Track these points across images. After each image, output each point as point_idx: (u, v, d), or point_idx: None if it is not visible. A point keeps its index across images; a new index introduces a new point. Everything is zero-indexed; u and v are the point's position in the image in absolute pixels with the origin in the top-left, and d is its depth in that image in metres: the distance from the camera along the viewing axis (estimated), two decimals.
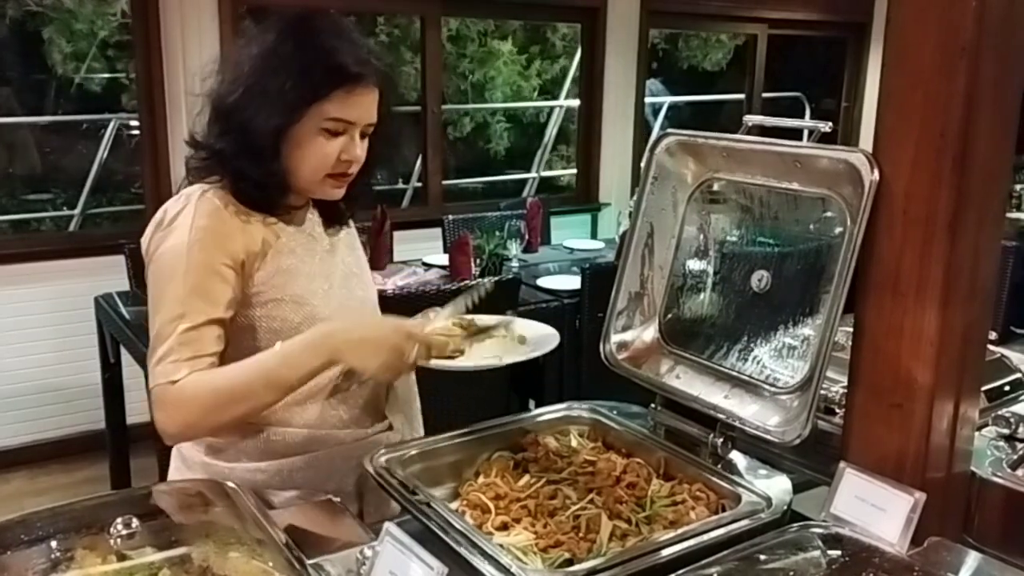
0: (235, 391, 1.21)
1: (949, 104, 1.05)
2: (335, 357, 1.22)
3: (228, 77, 1.32)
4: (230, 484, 1.09)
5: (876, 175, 1.10)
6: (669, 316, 1.46)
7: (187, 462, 1.36)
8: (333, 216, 1.46)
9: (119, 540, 0.92)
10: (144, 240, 1.32)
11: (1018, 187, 5.21)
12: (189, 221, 1.28)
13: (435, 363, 1.26)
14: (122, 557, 0.94)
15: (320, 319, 1.33)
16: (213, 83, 1.34)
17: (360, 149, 1.33)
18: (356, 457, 1.30)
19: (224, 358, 1.26)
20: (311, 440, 1.35)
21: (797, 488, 1.25)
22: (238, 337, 1.31)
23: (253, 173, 1.30)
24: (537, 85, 7.51)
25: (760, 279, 1.31)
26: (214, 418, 1.22)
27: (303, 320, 1.32)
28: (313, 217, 1.44)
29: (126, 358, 3.07)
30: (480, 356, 1.33)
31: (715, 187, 1.40)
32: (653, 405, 1.41)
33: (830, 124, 1.34)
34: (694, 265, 1.44)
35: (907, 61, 1.09)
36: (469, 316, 1.39)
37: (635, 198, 1.45)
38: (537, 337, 1.41)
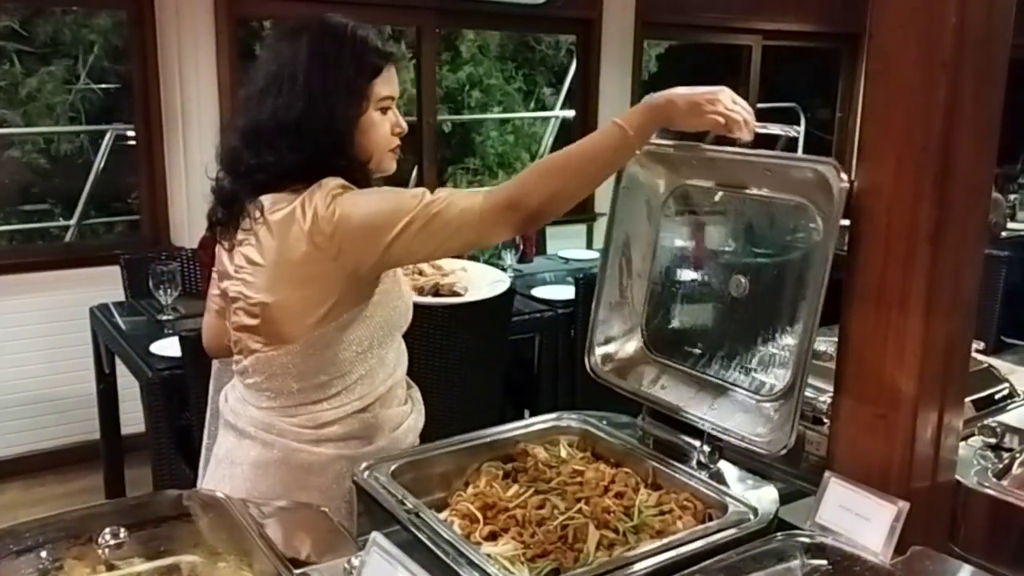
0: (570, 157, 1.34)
1: (930, 118, 1.06)
2: (671, 112, 1.30)
3: (277, 90, 1.39)
4: (219, 494, 1.10)
5: (845, 183, 1.11)
6: (652, 325, 1.47)
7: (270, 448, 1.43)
8: None
9: (107, 550, 0.92)
10: (299, 229, 1.35)
11: (1012, 197, 5.25)
12: (347, 190, 1.38)
13: (438, 301, 1.43)
14: (111, 567, 0.95)
15: (407, 300, 1.51)
16: (257, 102, 1.41)
17: (403, 121, 1.49)
18: None
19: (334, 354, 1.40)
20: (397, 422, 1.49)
21: (785, 498, 1.26)
22: (375, 315, 1.43)
23: (342, 166, 1.40)
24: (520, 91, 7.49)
25: (739, 286, 1.32)
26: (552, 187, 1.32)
27: (402, 303, 1.49)
28: None
29: (121, 369, 3.07)
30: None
31: (689, 195, 1.41)
32: (641, 416, 1.43)
33: (798, 128, 1.35)
34: (673, 273, 1.45)
35: (888, 76, 1.11)
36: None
37: (608, 208, 1.47)
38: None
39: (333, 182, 1.37)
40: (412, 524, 1.10)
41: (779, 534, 1.09)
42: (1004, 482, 1.28)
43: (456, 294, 1.50)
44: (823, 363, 1.51)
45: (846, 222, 1.15)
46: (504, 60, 7.45)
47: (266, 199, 1.40)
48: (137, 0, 3.81)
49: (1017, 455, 1.34)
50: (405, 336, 1.55)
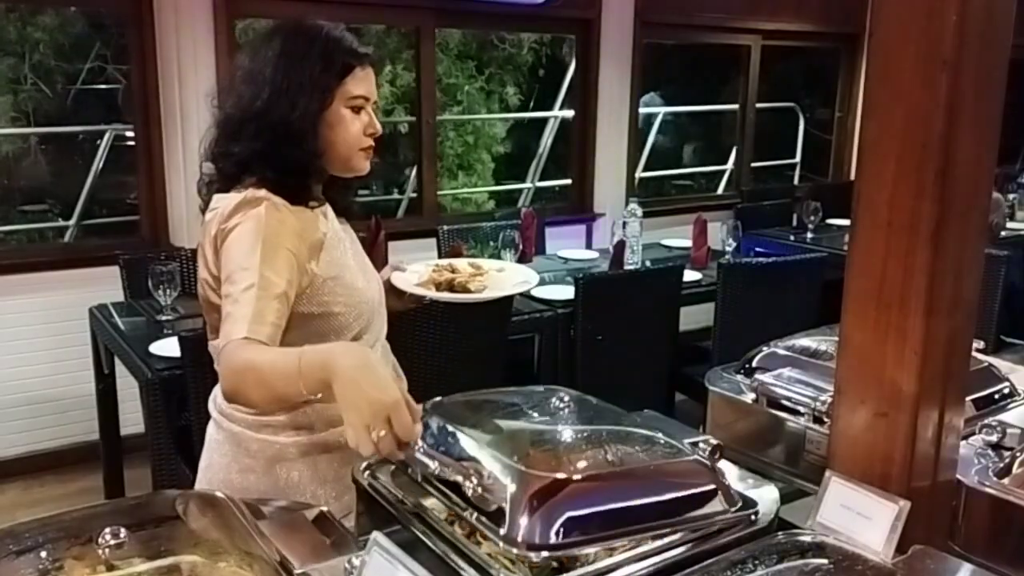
0: (258, 371, 1.25)
1: (930, 116, 1.06)
2: (329, 380, 1.16)
3: (246, 85, 1.47)
4: (219, 494, 1.10)
5: None
6: None
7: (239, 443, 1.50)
8: (345, 209, 1.62)
9: (107, 551, 0.92)
10: (210, 228, 1.43)
11: (1011, 197, 5.25)
12: (260, 211, 1.39)
13: (446, 296, 1.48)
14: (111, 567, 0.94)
15: (369, 303, 1.54)
16: (230, 96, 1.50)
17: (378, 123, 1.52)
18: None
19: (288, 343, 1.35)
20: None
21: (787, 498, 1.26)
22: (307, 323, 1.44)
23: (298, 160, 1.45)
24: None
25: None
26: (244, 387, 1.27)
27: (360, 302, 1.51)
28: (330, 211, 1.56)
29: (120, 369, 3.07)
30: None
31: None
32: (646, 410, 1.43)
33: None
34: None
35: (889, 74, 1.10)
36: (446, 261, 1.59)
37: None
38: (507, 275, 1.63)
39: (250, 197, 1.41)
40: (413, 523, 1.10)
41: (780, 533, 1.09)
42: (1005, 481, 1.28)
43: (469, 292, 1.52)
44: (823, 362, 1.52)
45: (847, 221, 1.15)
46: (465, 59, 7.31)
47: (219, 195, 1.46)
48: (136, 0, 3.81)
49: (1018, 454, 1.33)
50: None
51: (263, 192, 1.42)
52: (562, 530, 0.98)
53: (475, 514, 1.01)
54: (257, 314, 1.30)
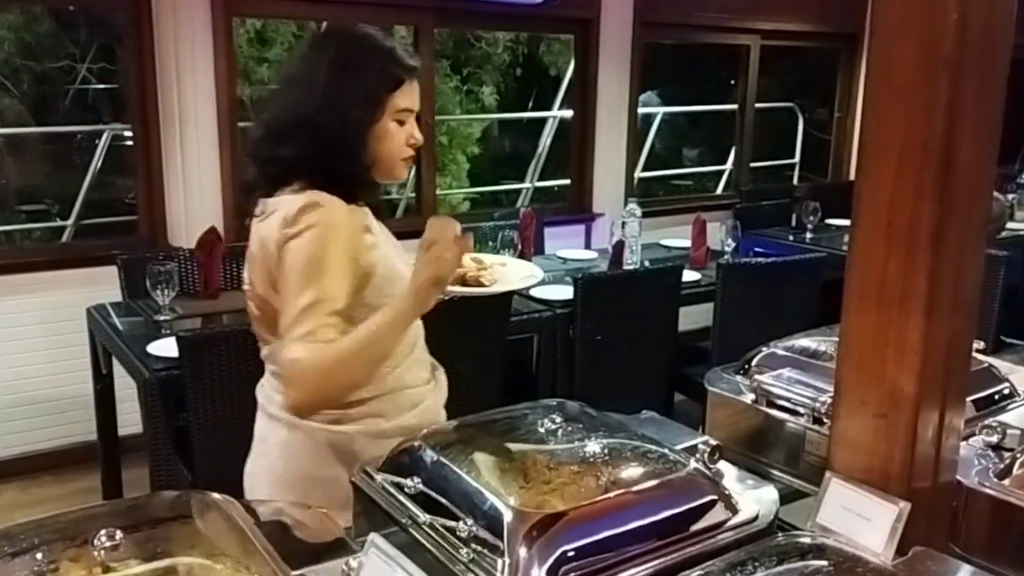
0: (351, 354, 1.37)
1: (931, 116, 1.06)
2: (436, 282, 1.37)
3: (297, 89, 1.50)
4: (216, 495, 1.09)
5: None
6: None
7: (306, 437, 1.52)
8: (375, 207, 1.62)
9: (103, 552, 0.91)
10: (271, 233, 1.45)
11: (1011, 197, 5.24)
12: (325, 217, 1.42)
13: (461, 290, 1.50)
14: (107, 569, 0.94)
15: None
16: (278, 98, 1.55)
17: (419, 133, 1.57)
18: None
19: None
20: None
21: (787, 499, 1.26)
22: (371, 315, 1.43)
23: (348, 171, 1.48)
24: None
25: None
26: (330, 386, 1.40)
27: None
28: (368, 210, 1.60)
29: (118, 369, 3.06)
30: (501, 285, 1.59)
31: None
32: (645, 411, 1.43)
33: None
34: None
35: (889, 73, 1.10)
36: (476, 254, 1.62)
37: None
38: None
39: (310, 202, 1.43)
40: (410, 525, 1.09)
41: (780, 535, 1.09)
42: (1005, 482, 1.27)
43: (482, 285, 1.60)
44: (823, 363, 1.51)
45: (846, 222, 1.15)
46: (439, 58, 7.30)
47: (270, 199, 1.48)
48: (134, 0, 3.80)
49: (1018, 455, 1.33)
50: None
51: (323, 196, 1.44)
52: (559, 566, 0.97)
53: (471, 554, 1.01)
54: (320, 330, 1.36)
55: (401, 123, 1.53)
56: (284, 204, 1.45)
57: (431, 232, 1.37)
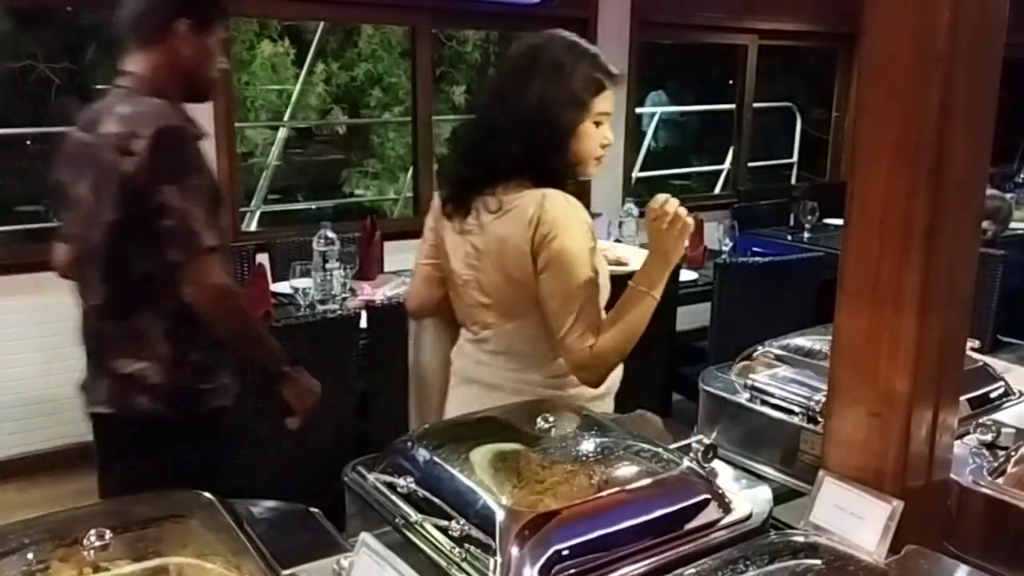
0: (633, 329, 1.63)
1: (924, 114, 1.05)
2: (667, 258, 1.62)
3: (512, 92, 1.64)
4: (207, 495, 1.09)
5: None
6: None
7: None
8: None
9: (93, 552, 0.91)
10: (516, 232, 1.62)
11: (1009, 196, 5.24)
12: (578, 214, 1.64)
13: (619, 269, 1.79)
14: (98, 569, 0.93)
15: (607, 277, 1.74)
16: (494, 100, 1.70)
17: (611, 134, 1.72)
18: None
19: None
20: None
21: (782, 498, 1.26)
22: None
23: (557, 167, 1.66)
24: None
25: None
26: (620, 359, 1.66)
27: (606, 280, 1.72)
28: None
29: None
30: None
31: None
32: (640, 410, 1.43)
33: None
34: None
35: (882, 71, 1.10)
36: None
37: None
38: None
39: (556, 205, 1.61)
40: (403, 524, 1.09)
41: (772, 533, 1.09)
42: (1000, 480, 1.27)
43: (621, 263, 1.94)
44: (818, 362, 1.51)
45: (840, 221, 1.15)
46: (408, 57, 7.21)
47: (496, 197, 1.64)
48: None
49: (1012, 453, 1.33)
50: None
51: (559, 193, 1.63)
52: (551, 565, 0.97)
53: (464, 554, 1.00)
54: (597, 314, 1.63)
55: (598, 124, 1.68)
56: (525, 202, 1.61)
57: (670, 206, 1.57)
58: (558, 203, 1.61)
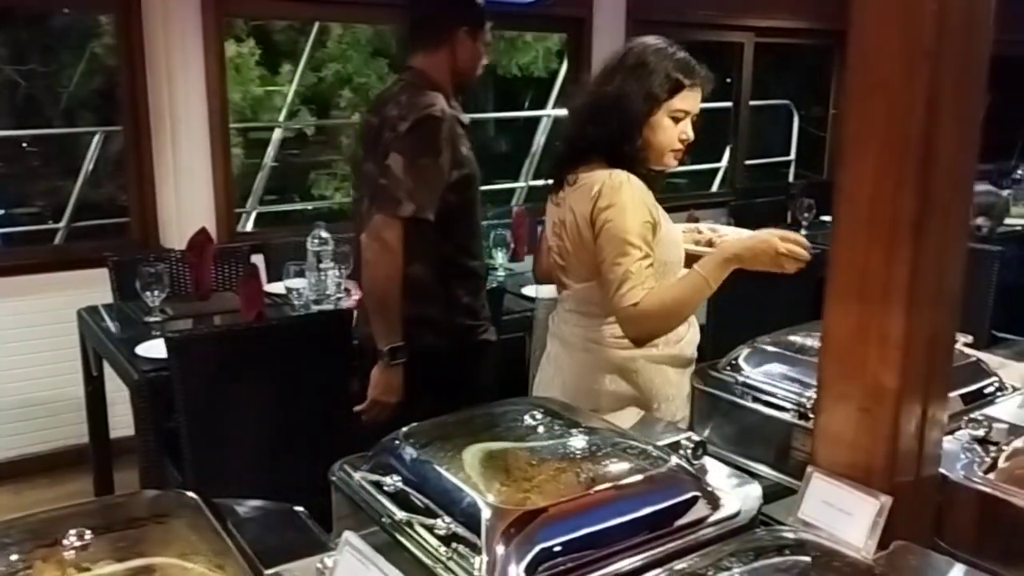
0: (679, 302, 1.79)
1: (911, 108, 1.05)
2: (742, 264, 1.77)
3: (603, 83, 1.88)
4: (191, 495, 1.08)
5: None
6: None
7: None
8: (652, 185, 1.94)
9: (75, 552, 0.90)
10: (582, 202, 1.85)
11: (1006, 192, 5.24)
12: (629, 191, 1.81)
13: (699, 249, 1.93)
14: (81, 569, 0.93)
15: (680, 248, 1.95)
16: (593, 88, 1.92)
17: (691, 131, 1.91)
18: None
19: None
20: None
21: (773, 496, 1.25)
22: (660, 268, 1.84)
23: (626, 151, 1.85)
24: None
25: None
26: (664, 325, 1.82)
27: (676, 249, 1.93)
28: None
29: (109, 371, 3.05)
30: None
31: None
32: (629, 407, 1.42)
33: None
34: None
35: (869, 65, 1.09)
36: (691, 225, 2.15)
37: None
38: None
39: (616, 181, 1.81)
40: (389, 524, 1.08)
41: (760, 530, 1.08)
42: (991, 476, 1.27)
43: (712, 245, 1.99)
44: (809, 358, 1.50)
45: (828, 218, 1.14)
46: (378, 56, 6.86)
47: (576, 173, 1.88)
48: (125, 1, 3.79)
49: (1004, 448, 1.32)
50: None
51: (622, 172, 1.82)
52: (537, 564, 0.96)
53: (450, 553, 1.00)
54: (647, 279, 1.77)
55: (676, 120, 1.87)
56: (594, 178, 1.83)
57: (806, 255, 1.75)
58: (619, 179, 1.81)
